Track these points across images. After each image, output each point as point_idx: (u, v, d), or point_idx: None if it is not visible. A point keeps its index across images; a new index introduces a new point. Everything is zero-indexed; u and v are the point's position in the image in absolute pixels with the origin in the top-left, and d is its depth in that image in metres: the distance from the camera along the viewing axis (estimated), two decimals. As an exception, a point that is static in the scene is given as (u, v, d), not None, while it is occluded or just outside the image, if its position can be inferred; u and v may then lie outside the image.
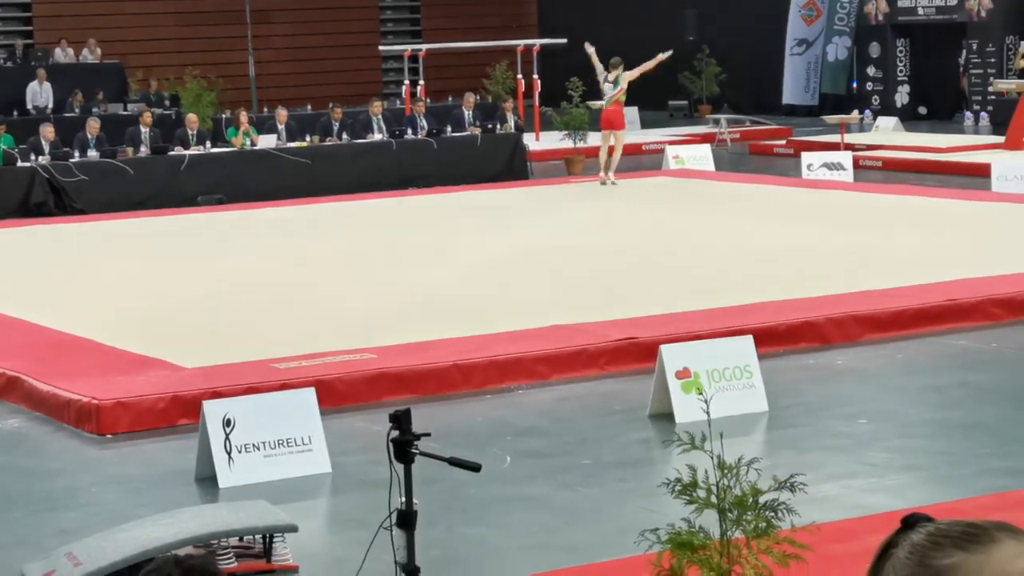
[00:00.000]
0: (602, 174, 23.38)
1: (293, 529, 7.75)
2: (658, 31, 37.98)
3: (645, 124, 33.26)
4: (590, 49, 23.75)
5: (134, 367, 11.44)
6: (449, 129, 25.51)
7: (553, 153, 27.77)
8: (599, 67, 23.47)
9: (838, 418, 10.34)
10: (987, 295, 13.36)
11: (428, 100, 28.72)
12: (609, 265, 15.80)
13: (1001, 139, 27.44)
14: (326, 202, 22.20)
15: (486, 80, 34.14)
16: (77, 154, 22.88)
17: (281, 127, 24.63)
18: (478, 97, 28.58)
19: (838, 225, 18.17)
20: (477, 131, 25.53)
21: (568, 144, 27.15)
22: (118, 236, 19.47)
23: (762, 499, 6.17)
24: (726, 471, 6.17)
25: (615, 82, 23.24)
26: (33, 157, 22.54)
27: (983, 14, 32.23)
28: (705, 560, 6.11)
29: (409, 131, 25.20)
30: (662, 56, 23.53)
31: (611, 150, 23.47)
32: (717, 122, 32.05)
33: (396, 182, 23.88)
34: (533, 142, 28.34)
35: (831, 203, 20.40)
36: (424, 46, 32.49)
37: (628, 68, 23.37)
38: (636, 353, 11.75)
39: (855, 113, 33.03)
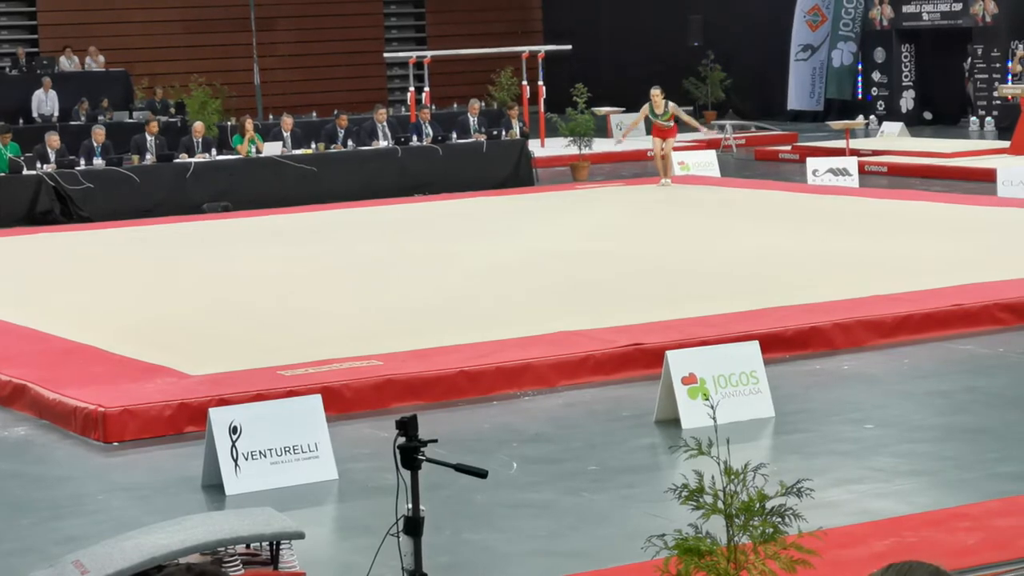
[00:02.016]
0: (661, 178, 23.66)
1: (300, 536, 7.74)
2: (664, 37, 38.05)
3: (651, 130, 33.24)
4: (629, 124, 24.31)
5: (140, 375, 11.45)
6: (454, 136, 25.52)
7: (559, 159, 27.79)
8: (637, 119, 23.94)
9: (845, 423, 10.33)
10: (993, 300, 13.35)
11: (433, 107, 28.74)
12: (615, 271, 15.80)
13: (1006, 144, 27.43)
14: (331, 209, 22.20)
15: (491, 87, 34.15)
16: (83, 162, 22.90)
17: (286, 134, 24.64)
18: (483, 104, 28.58)
19: (844, 230, 18.17)
20: (482, 138, 25.53)
21: (573, 150, 27.17)
22: (124, 244, 19.48)
23: (769, 504, 6.17)
24: (733, 477, 6.16)
25: (663, 114, 23.51)
26: (39, 165, 22.56)
27: (988, 19, 32.23)
28: (712, 566, 6.10)
29: (414, 138, 25.21)
30: (701, 127, 24.32)
31: (663, 156, 23.72)
32: (722, 128, 32.06)
33: (401, 189, 23.88)
34: (538, 148, 28.35)
35: (837, 209, 20.39)
36: (429, 53, 32.51)
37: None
38: (642, 359, 11.75)
39: (860, 118, 33.05)
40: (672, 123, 23.76)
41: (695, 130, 24.54)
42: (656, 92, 23.65)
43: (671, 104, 23.79)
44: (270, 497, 8.77)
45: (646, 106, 23.82)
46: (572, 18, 40.48)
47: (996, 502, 8.38)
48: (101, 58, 34.09)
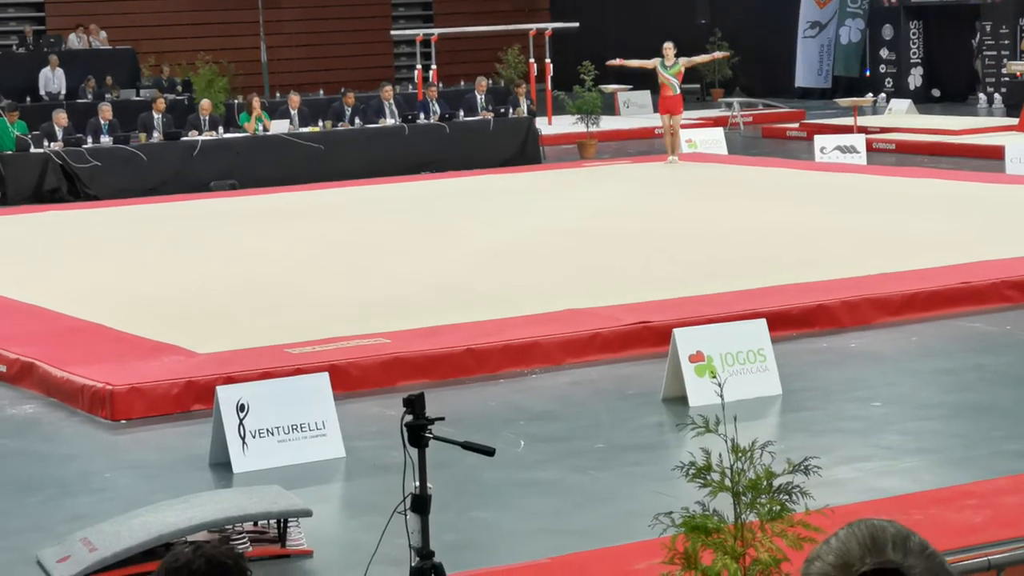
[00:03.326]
0: (668, 156, 23.55)
1: (307, 514, 7.76)
2: (670, 14, 37.96)
3: (658, 107, 33.19)
4: (617, 62, 24.22)
5: (148, 353, 11.46)
6: (461, 114, 25.49)
7: (566, 137, 27.76)
8: (646, 63, 23.81)
9: (852, 401, 10.33)
10: (1001, 277, 13.33)
11: (440, 85, 28.69)
12: (622, 249, 15.79)
13: (1015, 121, 27.37)
14: (339, 187, 22.20)
15: (498, 64, 34.10)
16: (90, 140, 22.90)
17: (293, 112, 24.63)
18: (490, 81, 28.55)
19: (851, 208, 18.14)
20: (489, 115, 25.51)
21: (581, 128, 27.13)
22: (131, 222, 19.49)
23: (776, 482, 6.16)
24: (740, 454, 6.16)
25: (672, 66, 23.41)
26: (46, 143, 22.56)
27: (996, -4, 32.13)
28: (719, 543, 6.10)
29: (421, 116, 25.19)
30: (718, 54, 24.13)
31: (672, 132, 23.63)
32: (730, 105, 31.99)
33: (408, 167, 23.88)
34: (546, 126, 28.33)
35: (844, 186, 20.36)
36: (436, 30, 32.45)
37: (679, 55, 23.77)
38: (649, 337, 11.75)
39: (868, 96, 32.97)
40: (678, 88, 23.59)
41: (712, 61, 24.38)
42: (669, 45, 23.68)
43: (681, 59, 23.72)
44: (277, 475, 8.79)
45: (657, 59, 23.74)
46: (579, -5, 40.36)
47: (1003, 480, 8.38)
48: (103, 34, 34.04)
